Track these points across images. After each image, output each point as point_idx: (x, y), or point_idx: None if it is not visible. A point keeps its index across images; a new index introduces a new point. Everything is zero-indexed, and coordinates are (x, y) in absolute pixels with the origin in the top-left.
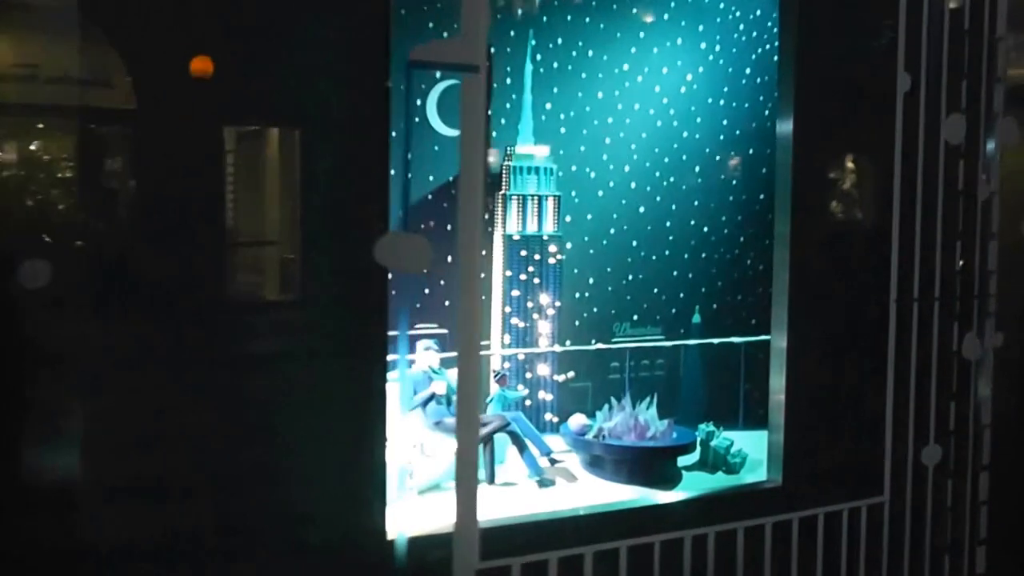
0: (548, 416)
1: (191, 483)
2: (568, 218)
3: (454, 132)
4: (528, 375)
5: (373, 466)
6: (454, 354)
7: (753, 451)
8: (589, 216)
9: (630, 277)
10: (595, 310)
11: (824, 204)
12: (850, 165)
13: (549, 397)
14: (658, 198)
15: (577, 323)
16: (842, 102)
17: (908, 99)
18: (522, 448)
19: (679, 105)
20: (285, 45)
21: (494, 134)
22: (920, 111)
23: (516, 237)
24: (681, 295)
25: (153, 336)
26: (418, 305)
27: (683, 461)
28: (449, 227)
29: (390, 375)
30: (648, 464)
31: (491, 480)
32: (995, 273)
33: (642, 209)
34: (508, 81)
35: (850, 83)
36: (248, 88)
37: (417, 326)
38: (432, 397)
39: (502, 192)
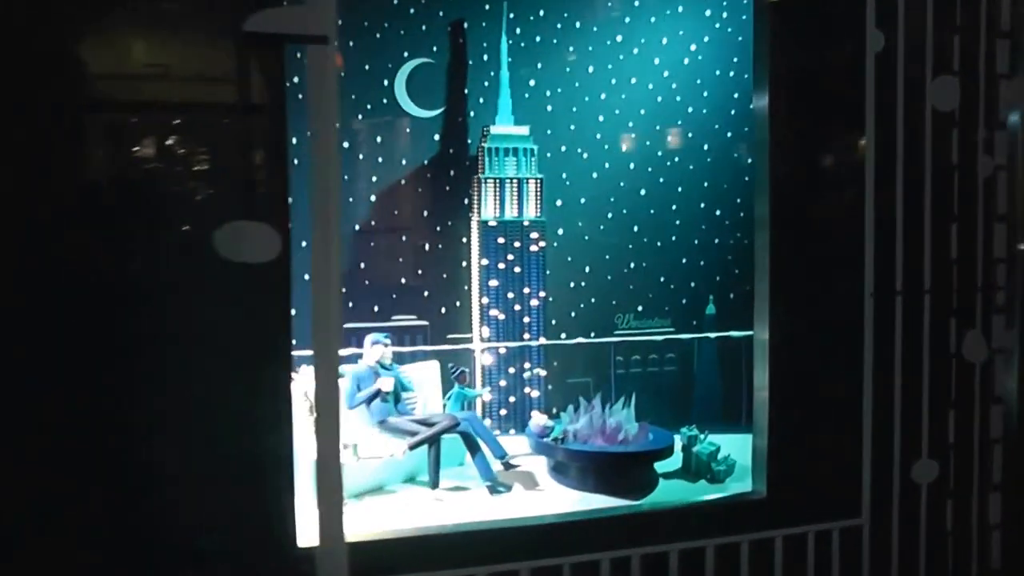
0: (536, 414)
1: (79, 485)
2: (559, 202)
3: (427, 113)
4: (511, 370)
5: (277, 470)
6: (411, 348)
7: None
8: (583, 200)
9: (632, 265)
10: (593, 300)
11: (804, 184)
12: (826, 139)
13: (536, 394)
14: (661, 179)
15: (573, 314)
16: (817, 70)
17: (881, 61)
18: (474, 450)
19: (683, 78)
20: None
21: (471, 114)
22: (898, 74)
23: (493, 223)
24: (692, 284)
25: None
26: (394, 296)
27: (665, 467)
28: (425, 213)
29: (345, 369)
30: (616, 471)
31: (434, 484)
32: (1004, 262)
33: (643, 191)
34: (485, 57)
35: (823, 47)
36: None
37: (394, 318)
38: (377, 394)
39: (478, 175)
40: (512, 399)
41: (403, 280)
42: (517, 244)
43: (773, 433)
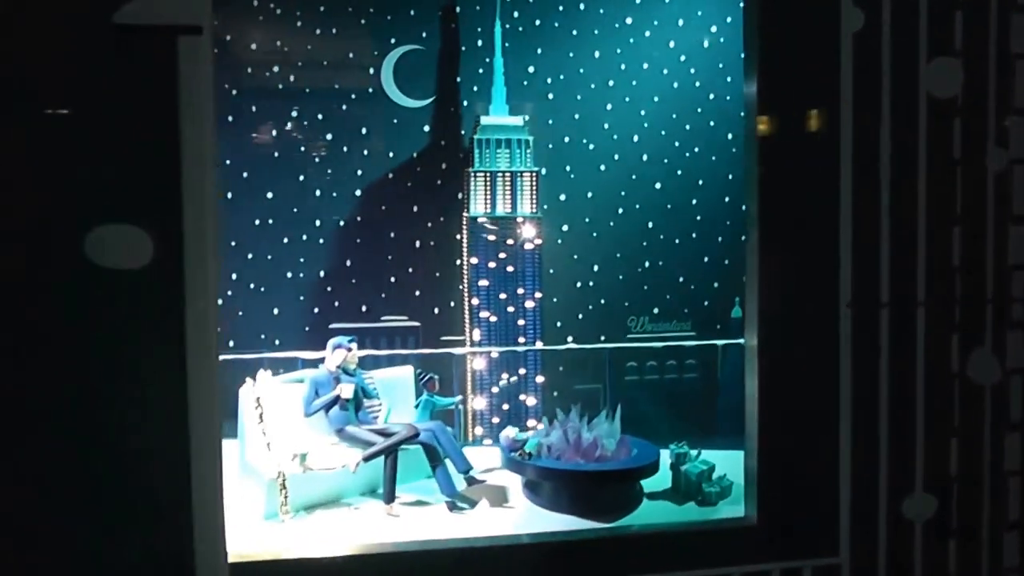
0: (532, 423)
1: None
2: (562, 196)
3: (416, 103)
4: (505, 377)
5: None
6: (388, 352)
7: None
8: (590, 194)
9: (647, 264)
10: (603, 302)
11: (789, 178)
12: (808, 130)
13: (532, 402)
14: (679, 171)
15: (581, 316)
16: (800, 54)
17: (861, 41)
18: (436, 463)
19: (702, 63)
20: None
21: (464, 104)
22: (883, 55)
23: (482, 220)
24: (716, 285)
25: None
26: (383, 295)
27: (655, 486)
28: (415, 208)
29: (305, 374)
30: (591, 490)
31: (388, 499)
32: (1022, 269)
33: (658, 185)
34: (478, 43)
35: (806, 29)
36: None
37: (384, 318)
38: (335, 401)
39: (468, 169)
40: (506, 407)
41: (392, 279)
42: (510, 242)
43: (762, 451)
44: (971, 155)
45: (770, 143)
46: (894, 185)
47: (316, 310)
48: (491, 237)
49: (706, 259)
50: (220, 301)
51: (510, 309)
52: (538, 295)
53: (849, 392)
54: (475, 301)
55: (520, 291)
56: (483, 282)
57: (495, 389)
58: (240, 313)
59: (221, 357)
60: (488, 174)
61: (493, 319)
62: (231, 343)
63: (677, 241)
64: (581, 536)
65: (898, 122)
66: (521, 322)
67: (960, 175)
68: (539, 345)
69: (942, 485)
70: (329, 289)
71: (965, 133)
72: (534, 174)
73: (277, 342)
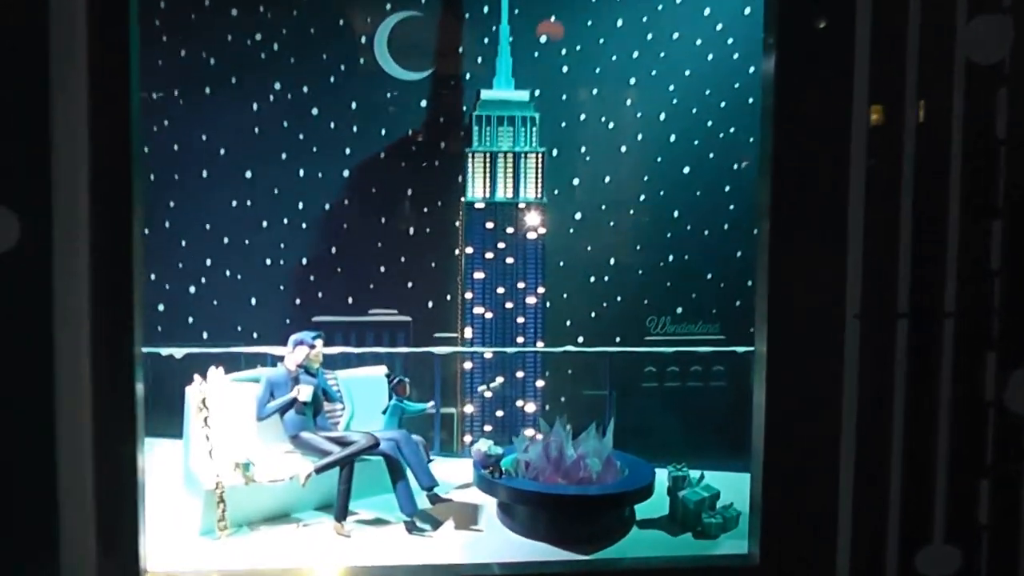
0: (530, 434)
1: None
2: (576, 180)
3: (412, 75)
4: (500, 380)
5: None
6: (361, 350)
7: None
8: (607, 178)
9: (670, 258)
10: (619, 299)
11: (805, 164)
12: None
13: (531, 408)
14: (711, 154)
15: (593, 315)
16: (816, 21)
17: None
18: (397, 477)
19: (741, 32)
20: None
21: (466, 76)
22: (910, 13)
23: (480, 205)
24: (750, 283)
25: None
26: (371, 286)
27: (651, 513)
28: (410, 191)
29: (261, 372)
30: (569, 516)
31: (339, 515)
32: None
33: (687, 169)
34: (484, 9)
35: None
36: None
37: (372, 312)
38: (291, 404)
39: (467, 148)
40: (500, 413)
41: (382, 268)
42: (510, 230)
43: (767, 479)
44: (1018, 133)
45: (791, 124)
46: (919, 170)
47: (298, 301)
48: (489, 224)
49: (739, 253)
50: (192, 289)
51: (508, 305)
52: (541, 290)
53: (854, 418)
54: (469, 295)
55: (521, 285)
56: (478, 274)
57: (488, 393)
58: (215, 303)
59: (192, 350)
60: (488, 155)
61: (488, 316)
62: (205, 335)
63: (706, 232)
64: (554, 569)
65: (928, 94)
66: (520, 320)
67: (1004, 158)
68: (540, 346)
69: (968, 536)
70: (312, 279)
71: (1013, 106)
72: (540, 155)
73: (255, 335)
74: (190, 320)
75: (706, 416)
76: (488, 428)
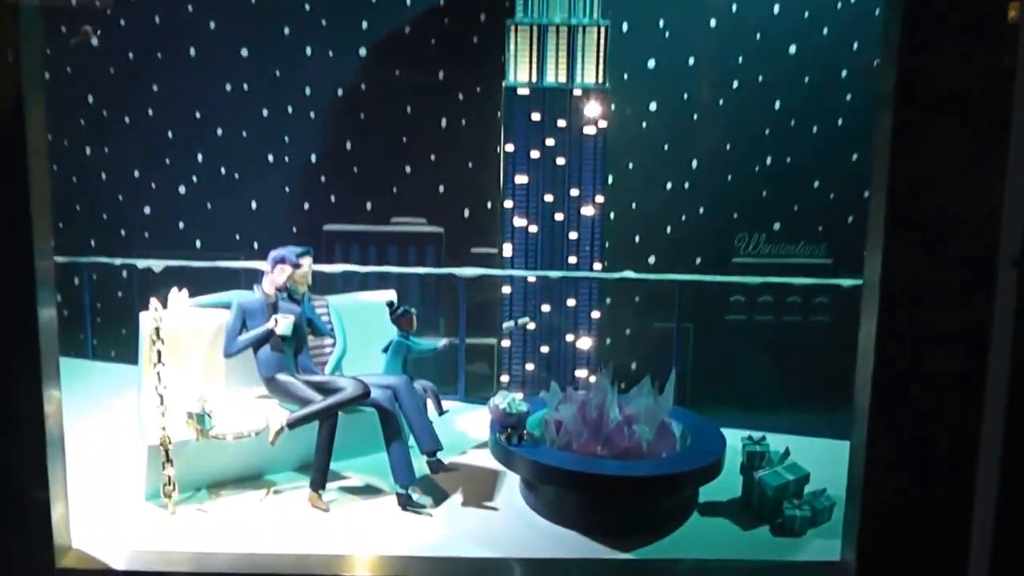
0: (583, 374)
1: None
2: (651, 62)
3: None
4: (545, 310)
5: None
6: (342, 267)
7: None
8: (691, 59)
9: (769, 160)
10: (701, 211)
11: (960, 46)
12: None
13: (587, 345)
14: (825, 29)
15: (669, 229)
16: None
17: None
18: (392, 436)
19: None
20: None
21: None
22: None
23: (524, 92)
24: (867, 194)
25: None
26: (394, 190)
27: (721, 494)
28: (442, 73)
29: (231, 295)
30: (606, 500)
31: (317, 483)
32: None
33: (793, 48)
34: None
35: None
36: None
37: (394, 220)
38: (267, 338)
39: (509, 20)
40: (545, 349)
41: (408, 168)
42: (562, 123)
43: (871, 456)
44: None
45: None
46: None
47: (306, 206)
48: (536, 116)
49: (855, 157)
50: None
51: (558, 216)
52: (600, 199)
53: (1003, 395)
54: (509, 203)
55: (574, 192)
56: (521, 178)
57: (531, 325)
58: (208, 206)
59: (173, 263)
60: (536, 28)
61: (533, 229)
62: (198, 244)
63: (815, 129)
64: (586, 569)
65: None
66: (574, 235)
67: None
68: (597, 268)
69: None
70: (323, 179)
71: None
72: (603, 29)
73: (255, 245)
74: (180, 225)
75: (802, 363)
76: (529, 367)
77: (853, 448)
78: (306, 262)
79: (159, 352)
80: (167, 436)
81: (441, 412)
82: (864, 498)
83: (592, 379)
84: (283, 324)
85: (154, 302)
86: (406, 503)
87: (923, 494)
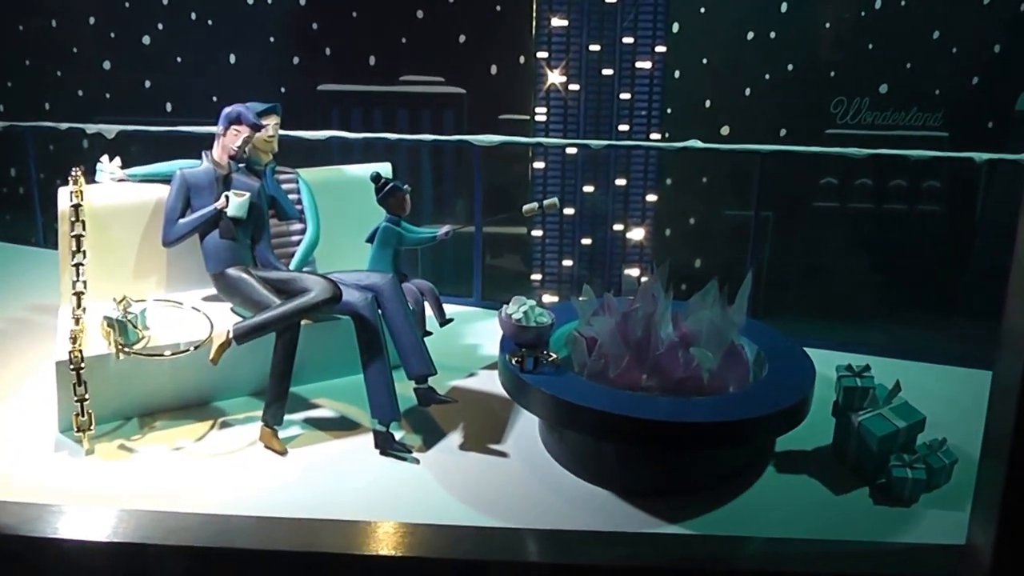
0: (635, 273)
1: None
2: None
3: None
4: (587, 190)
5: None
6: (329, 133)
7: None
8: None
9: (877, 4)
10: (790, 68)
11: None
12: None
13: (637, 234)
14: None
15: (748, 92)
16: None
17: None
18: (372, 355)
19: None
20: None
21: None
22: None
23: None
24: (997, 48)
25: None
26: (403, 40)
27: (805, 440)
28: None
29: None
30: (656, 451)
31: (270, 418)
32: None
33: None
34: None
35: None
36: None
37: (404, 79)
38: (216, 221)
39: None
40: (587, 241)
41: (420, 13)
42: None
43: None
44: None
45: None
46: None
47: (296, 60)
48: None
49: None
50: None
51: (607, 72)
52: (660, 49)
53: None
54: (543, 54)
55: (628, 40)
56: (559, 20)
57: (568, 209)
58: (178, 59)
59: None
60: None
61: (575, 87)
62: (168, 107)
63: None
64: (623, 546)
65: None
66: (626, 95)
67: None
68: (654, 138)
69: None
70: (315, 27)
71: None
72: None
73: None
74: (146, 84)
75: (911, 264)
76: (567, 263)
77: (998, 384)
78: (271, 122)
79: (78, 239)
80: (79, 350)
81: (444, 321)
82: (1013, 456)
83: (644, 279)
84: (236, 203)
85: (75, 172)
86: (386, 445)
87: None
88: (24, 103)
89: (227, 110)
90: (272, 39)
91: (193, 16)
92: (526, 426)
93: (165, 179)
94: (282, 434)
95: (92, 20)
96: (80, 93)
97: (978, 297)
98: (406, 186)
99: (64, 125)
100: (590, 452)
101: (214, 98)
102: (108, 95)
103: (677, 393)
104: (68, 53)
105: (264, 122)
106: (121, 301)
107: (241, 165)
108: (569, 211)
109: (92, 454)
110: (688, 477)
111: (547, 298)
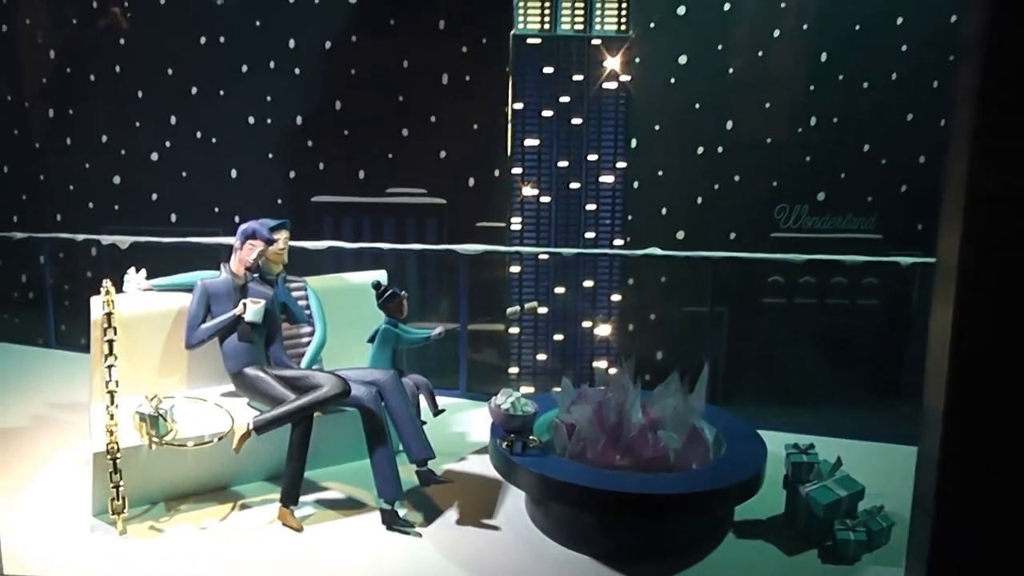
0: (603, 366)
1: None
2: (680, 8)
3: None
4: (559, 291)
5: None
6: (328, 244)
7: None
8: (726, 4)
9: (812, 121)
10: (737, 179)
11: None
12: None
13: (607, 332)
14: None
15: (700, 200)
16: None
17: None
18: (377, 442)
19: None
20: None
21: None
22: None
23: (535, 41)
24: (922, 160)
25: None
26: (390, 156)
27: (763, 509)
28: (443, 22)
29: (195, 277)
30: (631, 519)
31: (287, 498)
32: None
33: None
34: None
35: None
36: None
37: (390, 191)
38: (234, 326)
39: None
40: (559, 337)
41: (405, 132)
42: (578, 77)
43: (944, 471)
44: None
45: None
46: None
47: (292, 175)
48: (548, 69)
49: (910, 116)
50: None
51: (574, 185)
52: (622, 165)
53: None
54: (518, 170)
55: (593, 157)
56: (532, 140)
57: (541, 309)
58: (184, 174)
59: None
60: None
61: (546, 200)
62: (173, 217)
63: (866, 84)
64: None
65: None
66: (592, 206)
67: None
68: (618, 244)
69: None
70: (310, 144)
71: None
72: None
73: (236, 219)
74: (153, 196)
75: (851, 353)
76: (541, 357)
77: (922, 457)
78: (281, 237)
79: (110, 343)
80: (115, 442)
81: (437, 412)
82: (936, 518)
83: (613, 370)
84: (252, 310)
85: (106, 284)
86: (392, 520)
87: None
88: (37, 214)
89: (243, 227)
90: (271, 155)
91: (199, 135)
92: (513, 502)
93: (186, 288)
94: (297, 513)
95: (105, 138)
96: (90, 205)
97: (911, 383)
98: (403, 292)
99: (80, 236)
100: (572, 522)
101: (216, 209)
102: (117, 206)
103: (647, 470)
104: (81, 169)
105: (276, 236)
106: (152, 398)
107: (255, 275)
108: (543, 310)
109: (125, 535)
110: (659, 543)
111: (524, 388)
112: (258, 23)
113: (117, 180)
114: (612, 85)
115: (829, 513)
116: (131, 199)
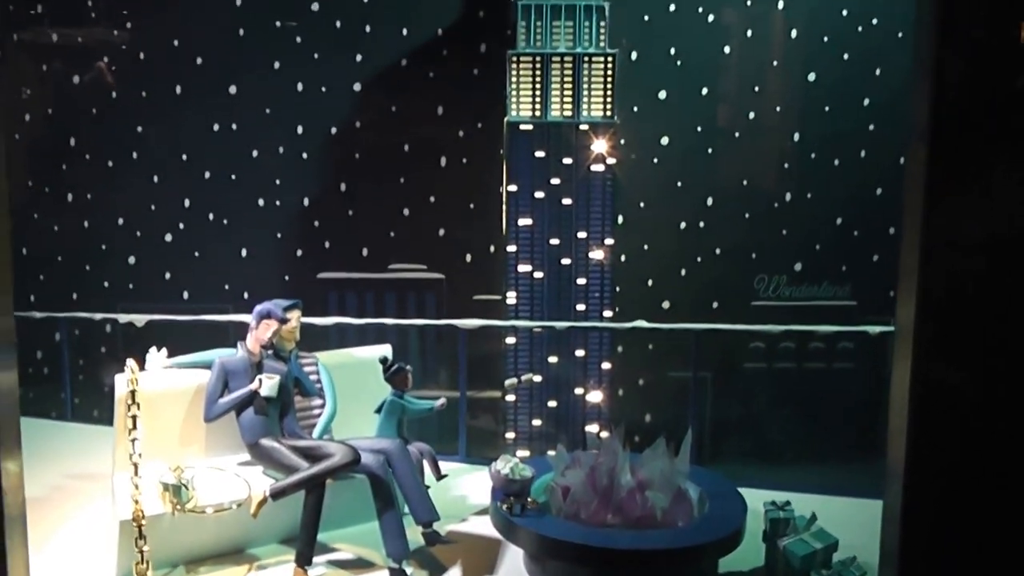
0: (595, 429)
1: None
2: (661, 94)
3: None
4: (552, 360)
5: None
6: (335, 320)
7: None
8: (704, 90)
9: (788, 197)
10: (718, 252)
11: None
12: None
13: (598, 399)
14: (846, 54)
15: (684, 272)
16: None
17: None
18: (386, 506)
19: None
20: None
21: None
22: None
23: (527, 127)
24: (892, 231)
25: None
26: (392, 234)
27: (735, 565)
28: (441, 109)
29: (213, 355)
30: (622, 573)
31: (301, 559)
32: None
33: (812, 76)
34: None
35: None
36: None
37: (392, 267)
38: (251, 400)
39: (510, 51)
40: (553, 403)
41: (406, 211)
42: (568, 160)
43: (908, 524)
44: None
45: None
46: None
47: (299, 253)
48: (540, 153)
49: (879, 191)
50: (169, 237)
51: (565, 261)
52: (610, 241)
53: None
54: (512, 248)
55: (582, 235)
56: (525, 220)
57: (536, 378)
58: (196, 254)
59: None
60: (539, 59)
61: (539, 275)
62: (185, 295)
63: (837, 162)
64: None
65: None
66: (582, 281)
67: None
68: (607, 316)
69: None
70: (316, 224)
71: None
72: (610, 59)
73: (246, 295)
74: (167, 276)
75: (827, 413)
76: (536, 422)
77: (887, 510)
78: (294, 316)
79: (134, 418)
80: (140, 510)
81: (440, 476)
82: (900, 567)
83: (604, 435)
84: (268, 385)
85: (130, 363)
86: None
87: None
88: (54, 293)
89: (258, 308)
90: (279, 235)
91: (211, 216)
92: (512, 559)
93: (205, 365)
94: (311, 573)
95: (121, 221)
96: (106, 284)
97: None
98: (408, 367)
99: (98, 316)
100: (559, 571)
101: (226, 286)
102: (131, 286)
103: (636, 528)
104: (97, 250)
105: (289, 316)
106: (175, 469)
107: (270, 352)
108: (537, 378)
109: None
110: None
111: (520, 452)
112: (268, 111)
113: (132, 260)
114: (599, 167)
115: (805, 565)
116: (145, 278)
